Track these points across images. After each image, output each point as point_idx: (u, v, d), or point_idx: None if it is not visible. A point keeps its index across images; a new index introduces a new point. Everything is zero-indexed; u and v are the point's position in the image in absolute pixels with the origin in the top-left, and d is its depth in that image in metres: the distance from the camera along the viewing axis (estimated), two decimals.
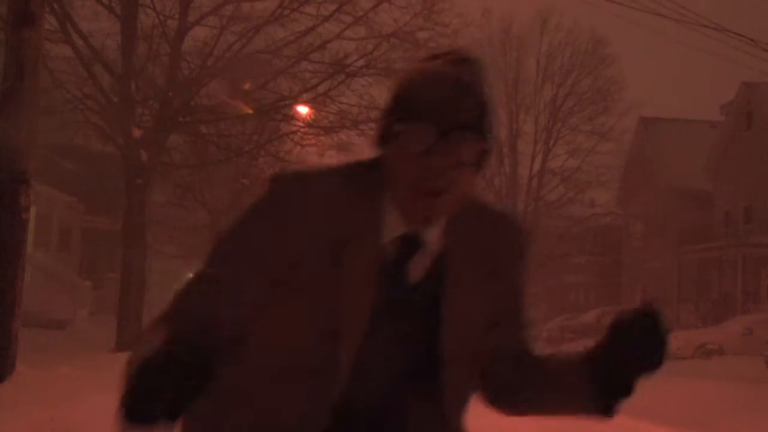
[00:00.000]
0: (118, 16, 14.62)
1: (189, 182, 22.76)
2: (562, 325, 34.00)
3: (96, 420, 7.17)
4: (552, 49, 38.85)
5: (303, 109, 17.73)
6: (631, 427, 10.14)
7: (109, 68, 14.72)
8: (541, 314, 42.45)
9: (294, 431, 1.50)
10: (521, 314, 1.75)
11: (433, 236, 1.54)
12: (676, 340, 24.36)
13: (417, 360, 1.56)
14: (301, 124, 17.94)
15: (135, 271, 14.03)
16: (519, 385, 1.67)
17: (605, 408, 1.55)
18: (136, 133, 14.24)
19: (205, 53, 15.47)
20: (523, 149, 39.43)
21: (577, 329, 32.08)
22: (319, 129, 17.80)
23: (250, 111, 16.42)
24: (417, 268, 1.54)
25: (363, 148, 18.72)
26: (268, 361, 1.54)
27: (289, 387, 1.52)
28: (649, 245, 36.89)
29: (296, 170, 1.60)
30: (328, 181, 1.55)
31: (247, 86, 16.70)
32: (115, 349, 13.39)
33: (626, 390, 1.54)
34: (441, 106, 1.47)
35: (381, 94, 17.78)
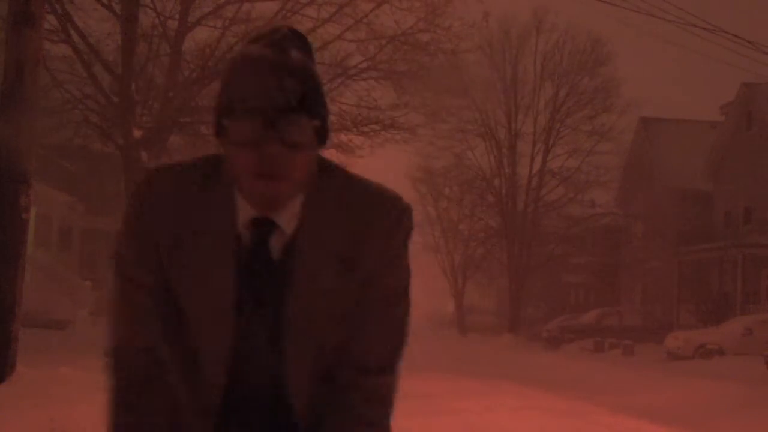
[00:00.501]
0: (118, 16, 14.62)
1: None
2: (562, 325, 33.98)
3: (96, 420, 7.17)
4: (550, 49, 38.89)
5: None
6: (632, 427, 10.15)
7: (109, 68, 14.72)
8: (541, 314, 42.48)
9: (192, 413, 1.59)
10: (372, 306, 1.59)
11: (286, 217, 1.55)
12: (676, 340, 24.37)
13: (275, 333, 1.58)
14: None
15: None
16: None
17: None
18: (136, 133, 14.24)
19: (206, 54, 15.47)
20: (522, 149, 39.45)
21: (577, 329, 32.08)
22: None
23: None
24: (275, 250, 1.56)
25: (363, 148, 18.72)
26: (174, 349, 1.60)
27: (187, 373, 1.59)
28: (649, 245, 36.87)
29: (149, 171, 1.65)
30: (177, 177, 1.60)
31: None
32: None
33: None
34: (261, 95, 1.45)
35: (382, 95, 17.80)
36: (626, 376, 17.55)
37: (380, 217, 1.59)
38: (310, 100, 1.49)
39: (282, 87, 1.46)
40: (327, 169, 1.60)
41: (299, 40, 1.55)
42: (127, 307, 1.61)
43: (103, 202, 25.68)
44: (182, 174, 1.60)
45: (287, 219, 1.55)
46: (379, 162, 25.07)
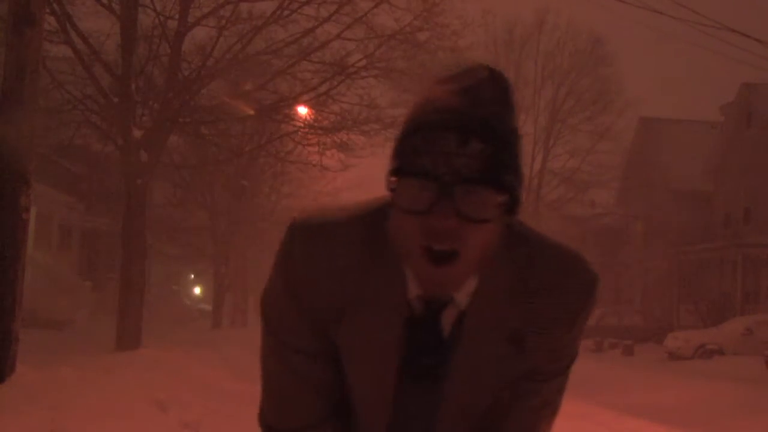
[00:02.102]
0: (118, 16, 14.61)
1: (189, 183, 22.77)
2: None
3: (95, 420, 7.17)
4: (550, 49, 38.89)
5: (303, 110, 17.74)
6: (632, 427, 10.15)
7: (109, 68, 14.71)
8: None
9: None
10: (533, 381, 1.45)
11: (463, 291, 1.36)
12: (676, 340, 24.37)
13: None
14: (302, 125, 17.94)
15: (135, 271, 14.02)
16: None
17: None
18: (136, 133, 14.24)
19: (205, 54, 15.47)
20: (522, 149, 39.42)
21: None
22: (319, 129, 17.80)
23: (251, 111, 16.43)
24: (447, 324, 1.39)
25: (364, 147, 18.73)
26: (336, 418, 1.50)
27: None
28: (649, 245, 36.88)
29: (298, 226, 1.41)
30: (335, 238, 1.37)
31: (247, 87, 16.70)
32: (115, 349, 13.39)
33: None
34: (440, 156, 1.22)
35: (382, 93, 17.79)
36: (626, 376, 17.55)
37: (568, 290, 1.38)
38: (497, 169, 1.24)
39: (464, 150, 1.22)
40: (514, 233, 1.38)
41: (499, 85, 1.30)
42: (284, 375, 1.44)
43: (103, 202, 25.69)
44: (345, 230, 1.38)
45: (464, 294, 1.36)
46: (379, 162, 25.15)
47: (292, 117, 17.94)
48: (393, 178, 1.27)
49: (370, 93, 17.17)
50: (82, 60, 14.23)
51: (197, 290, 58.42)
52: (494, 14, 22.64)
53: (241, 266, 31.46)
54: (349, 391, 1.45)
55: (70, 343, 14.89)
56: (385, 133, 17.47)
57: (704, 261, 31.76)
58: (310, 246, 1.37)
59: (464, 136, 1.22)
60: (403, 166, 1.25)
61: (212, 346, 18.61)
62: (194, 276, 56.78)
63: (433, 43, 16.44)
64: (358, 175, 30.68)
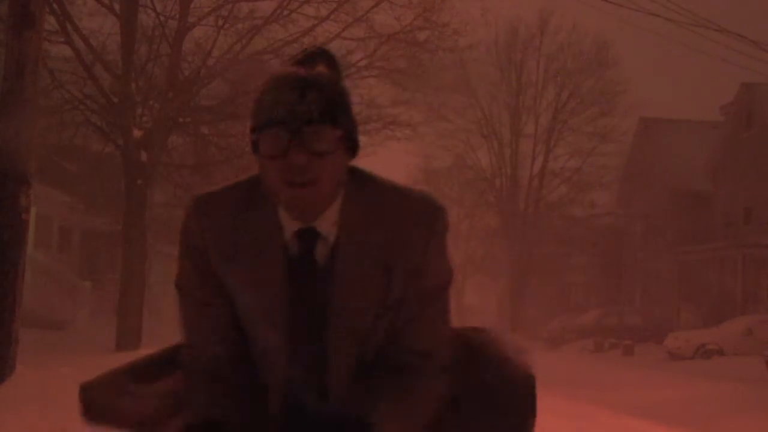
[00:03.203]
0: (118, 16, 14.62)
1: (189, 182, 22.73)
2: (562, 325, 34.00)
3: None
4: (554, 51, 38.89)
5: None
6: (632, 427, 10.15)
7: (109, 68, 14.72)
8: (541, 314, 42.47)
9: (257, 411, 1.70)
10: (413, 302, 1.67)
11: (327, 225, 1.64)
12: (676, 340, 24.37)
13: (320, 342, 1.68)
14: None
15: (135, 271, 14.03)
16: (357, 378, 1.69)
17: None
18: (136, 133, 14.24)
19: (205, 53, 15.47)
20: (523, 150, 39.46)
21: (577, 329, 32.10)
22: None
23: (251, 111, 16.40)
24: (320, 257, 1.66)
25: (364, 147, 18.72)
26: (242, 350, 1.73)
27: (255, 370, 1.71)
28: (649, 245, 36.88)
29: (196, 197, 1.74)
30: (223, 199, 1.70)
31: (247, 86, 16.69)
32: (115, 349, 13.39)
33: None
34: (285, 107, 1.56)
35: (382, 93, 17.80)
36: (626, 376, 17.55)
37: (415, 218, 1.66)
38: (332, 111, 1.59)
39: (305, 99, 1.56)
40: (359, 176, 1.69)
41: (327, 57, 1.66)
42: (200, 323, 1.72)
43: (103, 202, 25.67)
44: (227, 195, 1.71)
45: (328, 227, 1.64)
46: (380, 162, 25.12)
47: None
48: (256, 134, 1.59)
49: (370, 92, 17.19)
50: (82, 60, 14.24)
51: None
52: (496, 15, 22.62)
53: None
54: (248, 332, 1.70)
55: (70, 343, 14.89)
56: (385, 132, 17.49)
57: (704, 261, 31.75)
58: (199, 209, 1.69)
59: (303, 90, 1.56)
60: (260, 122, 1.59)
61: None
62: None
63: (433, 43, 16.45)
64: None
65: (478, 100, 37.85)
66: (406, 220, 1.65)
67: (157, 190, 22.94)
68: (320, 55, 1.66)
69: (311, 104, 1.56)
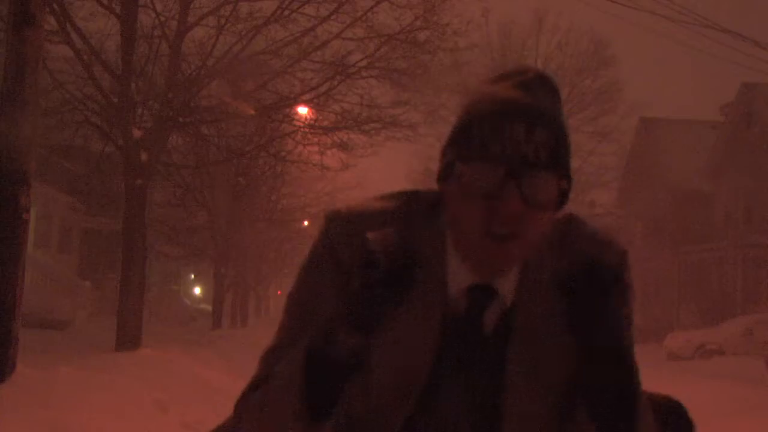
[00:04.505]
0: (118, 17, 14.61)
1: (189, 183, 22.76)
2: None
3: (96, 420, 7.17)
4: (551, 50, 38.89)
5: (303, 110, 17.74)
6: None
7: (109, 69, 14.71)
8: None
9: None
10: (617, 360, 1.32)
11: (506, 285, 1.37)
12: (676, 340, 24.37)
13: (486, 421, 1.38)
14: (302, 124, 17.94)
15: (135, 272, 14.02)
16: None
17: None
18: (136, 133, 14.23)
19: (205, 53, 15.47)
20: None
21: None
22: (320, 129, 17.80)
23: (251, 111, 16.42)
24: (489, 321, 1.37)
25: (364, 147, 18.73)
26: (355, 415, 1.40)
27: None
28: (649, 245, 36.90)
29: (349, 211, 1.42)
30: (385, 225, 1.32)
31: (247, 86, 16.70)
32: (115, 349, 13.39)
33: None
34: (508, 143, 1.27)
35: (382, 93, 17.79)
36: None
37: (599, 275, 1.30)
38: (560, 156, 1.31)
39: (532, 137, 1.28)
40: (557, 225, 1.41)
41: (548, 85, 1.35)
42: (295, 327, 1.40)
43: (104, 202, 25.68)
44: (375, 219, 1.37)
45: (508, 288, 1.37)
46: (381, 162, 25.13)
47: (292, 117, 17.95)
48: (460, 163, 1.30)
49: (370, 93, 17.18)
50: (82, 60, 14.23)
51: (197, 290, 58.42)
52: (492, 13, 22.59)
53: (241, 266, 31.45)
54: (368, 391, 1.38)
55: (70, 343, 14.89)
56: (385, 132, 17.48)
57: (704, 261, 31.76)
58: (347, 228, 1.38)
59: (531, 125, 1.28)
60: (473, 152, 1.29)
61: (212, 346, 18.59)
62: (194, 276, 56.78)
63: (434, 43, 16.44)
64: (357, 175, 30.74)
65: None
66: (596, 270, 1.29)
67: (157, 190, 22.96)
68: (543, 82, 1.34)
69: (540, 144, 1.28)
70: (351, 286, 1.26)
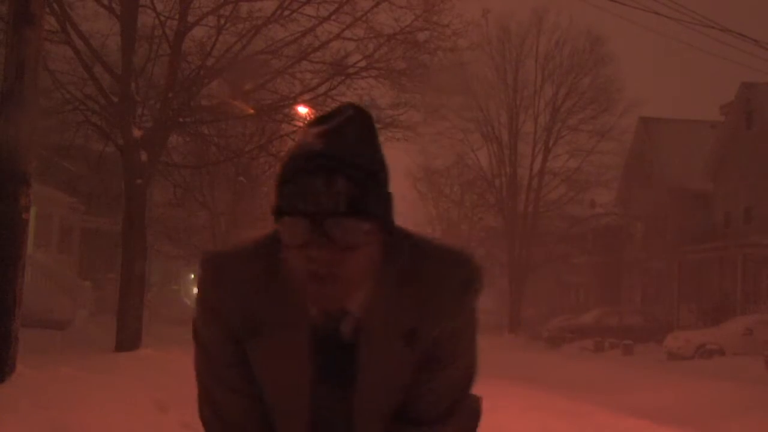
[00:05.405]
0: (118, 17, 14.61)
1: (189, 182, 22.75)
2: (562, 325, 33.99)
3: (96, 420, 7.16)
4: (550, 49, 38.89)
5: (303, 110, 17.73)
6: (632, 427, 10.14)
7: (109, 69, 14.71)
8: (541, 314, 42.47)
9: None
10: (440, 374, 1.59)
11: (356, 302, 1.53)
12: (676, 340, 24.36)
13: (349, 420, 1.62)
14: (302, 125, 17.92)
15: (135, 271, 14.02)
16: None
17: None
18: (136, 133, 14.24)
19: (205, 53, 15.47)
20: (523, 149, 39.45)
21: (577, 329, 32.08)
22: None
23: (251, 111, 16.42)
24: (346, 333, 1.56)
25: None
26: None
27: None
28: (649, 245, 36.89)
29: (211, 255, 1.62)
30: (242, 266, 1.57)
31: (247, 87, 16.69)
32: (115, 349, 13.39)
33: None
34: (308, 197, 1.39)
35: (381, 94, 17.78)
36: (626, 376, 17.55)
37: (448, 287, 1.55)
38: (362, 202, 1.41)
39: (331, 189, 1.39)
40: (394, 245, 1.54)
41: (363, 122, 1.46)
42: (211, 381, 1.63)
43: (104, 202, 25.66)
44: (245, 261, 1.57)
45: (358, 303, 1.53)
46: None
47: (292, 117, 17.94)
48: (277, 219, 1.45)
49: (370, 93, 17.17)
50: (82, 60, 14.24)
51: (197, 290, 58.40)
52: (492, 13, 22.57)
53: None
54: (267, 405, 1.62)
55: (70, 343, 14.89)
56: (385, 133, 17.47)
57: (704, 261, 31.76)
58: (217, 275, 1.57)
59: (329, 177, 1.39)
60: (281, 208, 1.43)
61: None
62: (194, 276, 56.80)
63: (433, 44, 16.45)
64: None
65: (477, 100, 37.86)
66: (438, 288, 1.54)
67: (157, 190, 22.94)
68: (352, 122, 1.44)
69: (338, 195, 1.39)
70: (228, 321, 1.55)
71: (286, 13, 15.46)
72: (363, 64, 16.39)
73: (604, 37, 43.90)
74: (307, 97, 16.83)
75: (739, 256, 28.73)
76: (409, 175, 41.00)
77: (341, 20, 15.72)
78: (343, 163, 1.40)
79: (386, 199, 1.47)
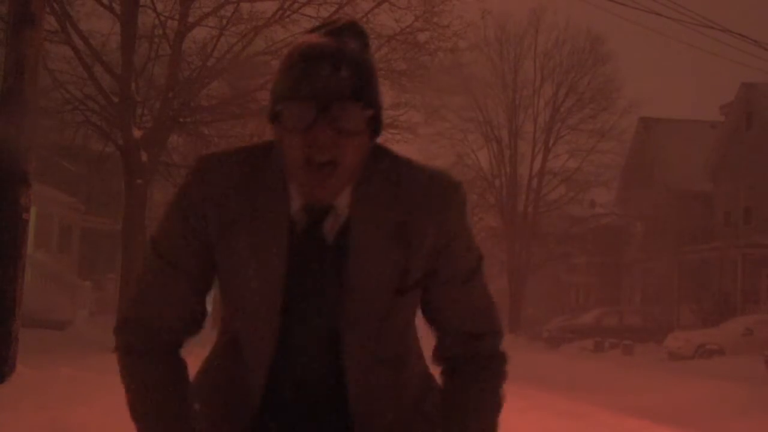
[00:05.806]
0: (118, 17, 14.62)
1: None
2: (562, 325, 33.99)
3: (96, 420, 7.16)
4: (549, 48, 38.89)
5: None
6: (632, 427, 10.14)
7: (109, 69, 14.72)
8: (541, 314, 42.48)
9: (234, 406, 1.64)
10: (450, 272, 1.63)
11: (342, 201, 1.56)
12: (676, 340, 24.37)
13: (335, 323, 1.58)
14: None
15: (135, 271, 14.01)
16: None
17: None
18: (136, 133, 14.25)
19: (206, 54, 15.48)
20: (523, 149, 39.46)
21: (577, 329, 32.09)
22: None
23: (251, 111, 16.42)
24: (329, 233, 1.57)
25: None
26: (226, 331, 1.69)
27: (234, 359, 1.64)
28: (649, 245, 36.88)
29: (202, 156, 1.65)
30: (230, 162, 1.60)
31: (247, 86, 16.69)
32: (115, 349, 13.38)
33: None
34: (316, 80, 1.47)
35: (382, 94, 17.81)
36: (626, 376, 17.54)
37: (431, 193, 1.59)
38: (364, 90, 1.51)
39: (336, 75, 1.48)
40: (377, 153, 1.63)
41: (357, 31, 1.56)
42: (161, 288, 1.62)
43: (104, 203, 25.69)
44: (235, 159, 1.61)
45: (342, 204, 1.56)
46: None
47: None
48: (280, 105, 1.50)
49: None
50: (82, 60, 14.24)
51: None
52: (491, 14, 22.62)
53: None
54: (233, 310, 1.62)
55: (70, 343, 14.89)
56: (384, 134, 17.46)
57: (704, 261, 31.77)
58: (204, 171, 1.60)
59: (336, 65, 1.47)
60: (287, 92, 1.49)
61: (212, 345, 18.55)
62: None
63: (434, 44, 16.46)
64: None
65: (477, 101, 37.86)
66: (422, 193, 1.59)
67: (157, 190, 22.96)
68: (351, 28, 1.55)
69: (344, 80, 1.48)
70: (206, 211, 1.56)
71: (287, 14, 15.47)
72: None
73: (604, 36, 43.89)
74: None
75: (739, 256, 28.74)
76: None
77: None
78: (347, 56, 1.49)
79: (379, 98, 1.58)
